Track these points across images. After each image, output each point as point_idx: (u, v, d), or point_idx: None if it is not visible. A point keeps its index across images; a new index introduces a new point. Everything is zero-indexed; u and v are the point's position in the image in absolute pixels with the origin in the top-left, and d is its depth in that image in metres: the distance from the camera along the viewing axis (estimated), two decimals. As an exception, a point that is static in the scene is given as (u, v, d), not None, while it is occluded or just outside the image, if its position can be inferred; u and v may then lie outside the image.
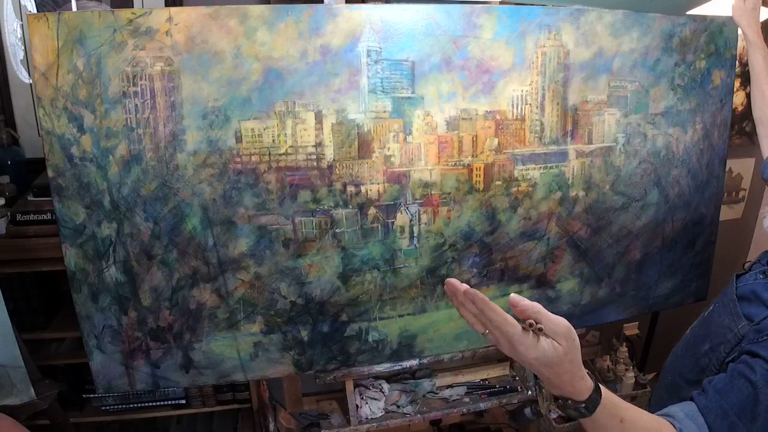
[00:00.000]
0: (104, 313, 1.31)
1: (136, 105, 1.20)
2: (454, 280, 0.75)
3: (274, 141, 1.28)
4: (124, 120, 1.20)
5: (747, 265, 1.17)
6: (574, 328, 0.74)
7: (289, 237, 1.35)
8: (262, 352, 1.43)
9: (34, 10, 1.68)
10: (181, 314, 1.35)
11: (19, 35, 1.71)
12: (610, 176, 1.57)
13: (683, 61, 1.56)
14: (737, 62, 1.70)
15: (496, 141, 1.43)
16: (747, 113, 1.91)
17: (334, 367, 1.53)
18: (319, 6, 1.26)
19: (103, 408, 1.85)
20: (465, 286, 0.73)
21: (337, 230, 1.38)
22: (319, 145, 1.31)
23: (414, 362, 1.80)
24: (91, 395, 1.83)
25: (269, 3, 1.58)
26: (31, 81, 1.73)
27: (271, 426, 1.82)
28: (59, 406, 1.55)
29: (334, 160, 1.33)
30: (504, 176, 1.46)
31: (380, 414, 1.85)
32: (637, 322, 2.32)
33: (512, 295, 0.74)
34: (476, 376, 2.02)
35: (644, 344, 2.40)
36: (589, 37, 1.44)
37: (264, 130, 1.27)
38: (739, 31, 1.55)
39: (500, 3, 1.52)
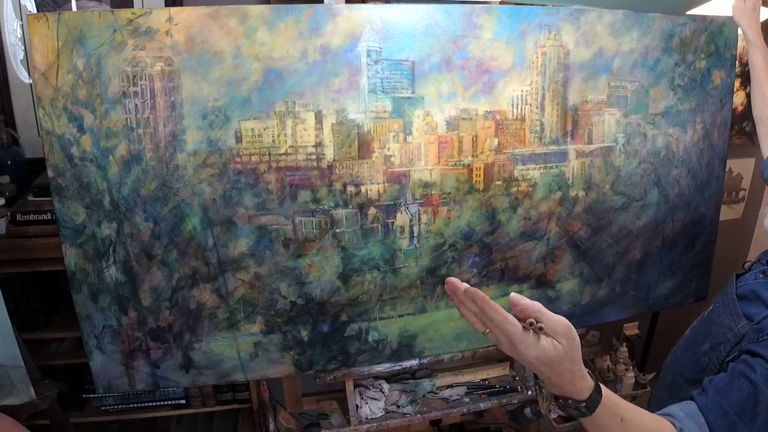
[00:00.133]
0: (104, 313, 1.31)
1: (136, 105, 1.20)
2: (454, 279, 0.75)
3: (274, 141, 1.28)
4: (124, 120, 1.20)
5: (747, 264, 1.17)
6: (574, 328, 0.74)
7: (289, 237, 1.35)
8: (262, 352, 1.42)
9: (34, 10, 1.68)
10: (181, 314, 1.35)
11: (19, 35, 1.71)
12: (610, 176, 1.57)
13: (683, 61, 1.56)
14: (737, 62, 1.71)
15: (496, 141, 1.43)
16: (747, 113, 1.91)
17: (334, 367, 1.53)
18: (319, 6, 1.26)
19: (103, 408, 1.85)
20: (465, 285, 0.73)
21: (337, 230, 1.38)
22: (319, 145, 1.31)
23: (414, 362, 1.80)
24: (91, 395, 1.82)
25: (269, 3, 1.59)
26: (31, 81, 1.73)
27: (271, 426, 1.82)
28: (59, 406, 1.55)
29: (334, 160, 1.33)
30: (504, 176, 1.46)
31: (380, 414, 1.85)
32: (637, 322, 2.32)
33: (513, 294, 0.74)
34: (476, 376, 2.02)
35: (644, 344, 2.40)
36: (589, 37, 1.44)
37: (264, 130, 1.27)
38: (739, 31, 1.56)
39: (500, 3, 1.52)
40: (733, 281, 1.13)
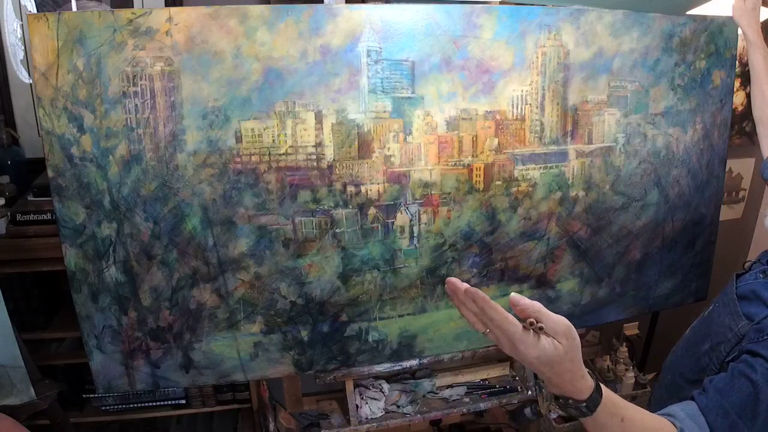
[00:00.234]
0: (104, 313, 1.31)
1: (136, 105, 1.20)
2: (454, 279, 0.75)
3: (274, 141, 1.28)
4: (124, 120, 1.20)
5: (747, 264, 1.17)
6: (574, 328, 0.74)
7: (289, 237, 1.35)
8: (262, 352, 1.42)
9: (34, 10, 1.68)
10: (181, 314, 1.35)
11: (19, 35, 1.71)
12: (610, 176, 1.57)
13: (683, 61, 1.56)
14: (737, 62, 1.71)
15: (496, 141, 1.43)
16: (747, 113, 1.91)
17: (334, 367, 1.53)
18: (319, 6, 1.26)
19: (103, 408, 1.85)
20: (466, 285, 0.73)
21: (337, 230, 1.38)
22: (319, 145, 1.31)
23: (414, 362, 1.80)
24: (91, 395, 1.82)
25: (269, 3, 1.59)
26: (31, 81, 1.73)
27: (271, 426, 1.82)
28: (59, 406, 1.55)
29: (334, 160, 1.33)
30: (504, 176, 1.46)
31: (380, 414, 1.85)
32: (637, 322, 2.32)
33: (513, 294, 0.74)
34: (476, 376, 2.02)
35: (644, 344, 2.40)
36: (589, 37, 1.44)
37: (264, 130, 1.27)
38: (739, 31, 1.56)
39: (500, 3, 1.52)
40: (733, 281, 1.13)
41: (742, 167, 2.39)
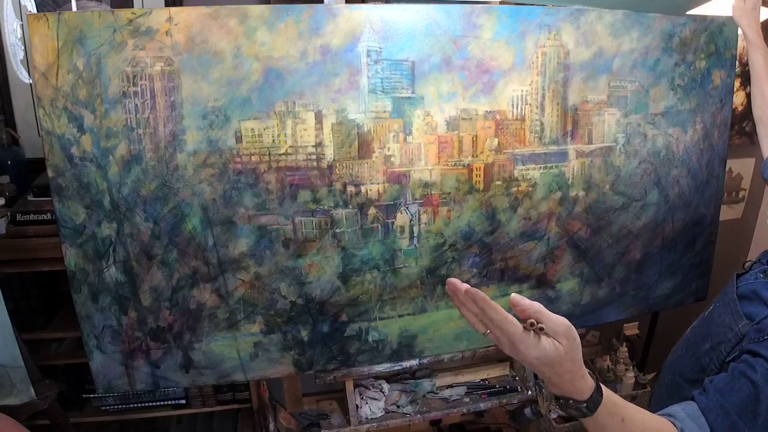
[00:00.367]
0: (104, 313, 1.31)
1: (136, 105, 1.20)
2: (455, 280, 0.75)
3: (274, 141, 1.28)
4: (124, 120, 1.20)
5: (747, 264, 1.17)
6: (574, 328, 0.74)
7: (289, 237, 1.35)
8: (262, 352, 1.42)
9: (34, 10, 1.68)
10: (181, 314, 1.35)
11: (19, 35, 1.71)
12: (610, 176, 1.57)
13: (683, 61, 1.56)
14: (737, 62, 1.71)
15: (496, 141, 1.43)
16: (747, 113, 1.92)
17: (334, 367, 1.53)
18: (319, 6, 1.26)
19: (103, 408, 1.85)
20: (466, 285, 0.73)
21: (337, 230, 1.38)
22: (319, 145, 1.31)
23: (414, 362, 1.80)
24: (91, 395, 1.82)
25: (269, 3, 1.58)
26: (31, 81, 1.73)
27: (271, 426, 1.82)
28: (59, 406, 1.55)
29: (334, 160, 1.33)
30: (504, 176, 1.46)
31: (380, 414, 1.85)
32: (637, 322, 2.32)
33: (513, 294, 0.74)
34: (476, 376, 2.02)
35: (644, 344, 2.40)
36: (589, 37, 1.44)
37: (264, 130, 1.27)
38: (739, 31, 1.55)
39: (500, 3, 1.52)
40: (733, 281, 1.13)
41: (742, 167, 2.39)
